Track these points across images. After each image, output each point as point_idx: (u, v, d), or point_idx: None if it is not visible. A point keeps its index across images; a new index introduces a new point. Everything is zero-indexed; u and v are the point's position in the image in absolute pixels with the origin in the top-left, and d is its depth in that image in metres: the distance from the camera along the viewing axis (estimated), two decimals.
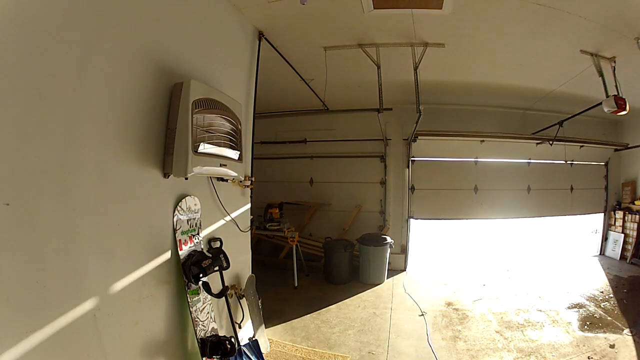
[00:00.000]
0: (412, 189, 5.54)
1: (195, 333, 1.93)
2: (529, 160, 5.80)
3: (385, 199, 5.55)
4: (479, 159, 5.62)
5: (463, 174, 5.61)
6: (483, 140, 5.28)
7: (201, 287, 2.02)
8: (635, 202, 5.57)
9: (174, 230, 1.89)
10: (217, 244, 2.23)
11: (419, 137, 4.31)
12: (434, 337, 3.06)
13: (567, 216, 6.17)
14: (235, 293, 2.44)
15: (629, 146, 5.48)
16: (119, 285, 1.53)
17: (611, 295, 4.00)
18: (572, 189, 6.00)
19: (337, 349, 2.85)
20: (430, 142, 5.27)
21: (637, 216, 5.42)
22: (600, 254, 6.07)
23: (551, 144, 5.03)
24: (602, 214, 6.19)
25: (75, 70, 1.32)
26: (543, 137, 5.13)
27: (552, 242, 7.95)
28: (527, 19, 2.76)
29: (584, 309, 3.63)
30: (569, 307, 3.70)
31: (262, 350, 2.45)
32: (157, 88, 1.75)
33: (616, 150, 5.70)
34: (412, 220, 5.54)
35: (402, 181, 5.52)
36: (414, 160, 5.45)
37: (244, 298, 2.51)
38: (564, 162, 5.84)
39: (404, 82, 3.99)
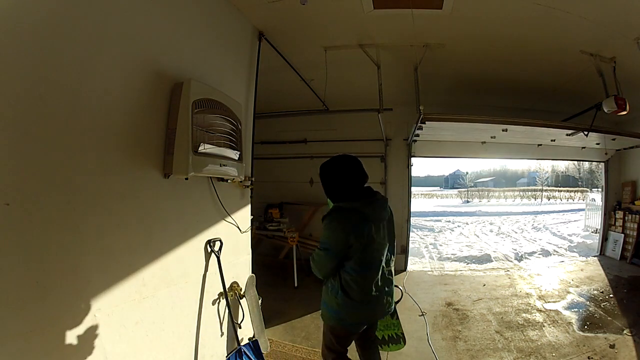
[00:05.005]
0: None
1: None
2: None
3: None
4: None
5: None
6: (506, 130, 4.48)
7: None
8: (635, 202, 5.56)
9: None
10: (217, 245, 2.23)
11: (427, 122, 3.96)
12: (434, 337, 3.06)
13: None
14: (236, 293, 2.43)
15: None
16: (119, 285, 1.53)
17: (611, 295, 4.00)
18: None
19: None
20: (432, 141, 5.20)
21: (637, 216, 5.41)
22: (600, 254, 6.05)
23: (586, 135, 4.26)
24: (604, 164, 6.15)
25: (75, 69, 1.32)
26: (578, 125, 4.28)
27: (552, 242, 7.97)
28: (527, 19, 2.76)
29: (584, 309, 3.63)
30: (568, 307, 3.70)
31: (262, 351, 2.44)
32: (158, 88, 1.75)
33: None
34: (413, 159, 5.46)
35: (402, 181, 5.51)
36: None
37: (244, 298, 2.51)
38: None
39: (404, 82, 3.98)
